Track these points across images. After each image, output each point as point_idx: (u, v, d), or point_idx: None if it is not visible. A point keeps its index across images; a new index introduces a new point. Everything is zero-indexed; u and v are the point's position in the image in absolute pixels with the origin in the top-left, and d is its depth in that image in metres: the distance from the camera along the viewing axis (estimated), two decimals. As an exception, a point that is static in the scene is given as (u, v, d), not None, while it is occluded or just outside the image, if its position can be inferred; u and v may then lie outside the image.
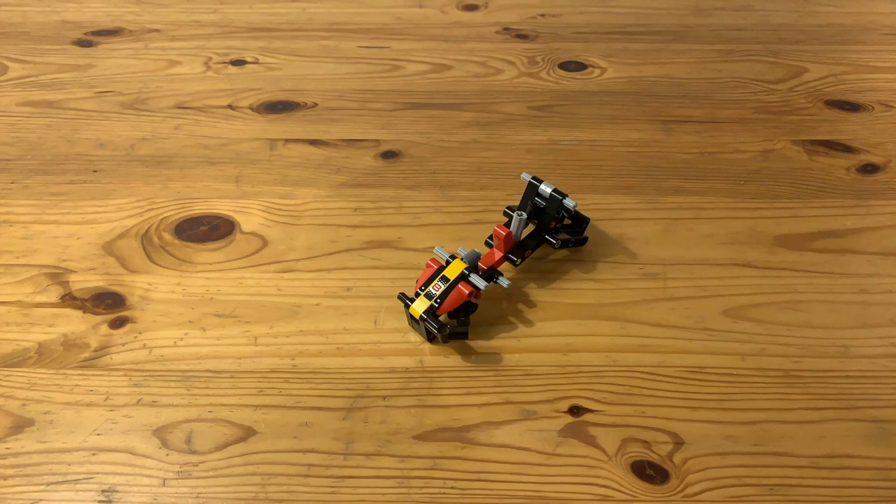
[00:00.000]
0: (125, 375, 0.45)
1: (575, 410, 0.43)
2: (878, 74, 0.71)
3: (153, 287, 0.50)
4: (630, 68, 0.72)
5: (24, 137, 0.63)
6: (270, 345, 0.47)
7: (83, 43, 0.76)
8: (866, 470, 0.40)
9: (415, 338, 0.47)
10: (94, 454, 0.41)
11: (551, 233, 0.50)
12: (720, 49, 0.74)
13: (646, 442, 0.42)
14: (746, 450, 0.41)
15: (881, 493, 0.39)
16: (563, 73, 0.71)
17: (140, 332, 0.47)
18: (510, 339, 0.47)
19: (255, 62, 0.73)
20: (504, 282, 0.47)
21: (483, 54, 0.74)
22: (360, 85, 0.70)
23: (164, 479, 0.40)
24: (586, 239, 0.53)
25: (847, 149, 0.62)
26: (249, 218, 0.55)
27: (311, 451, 0.41)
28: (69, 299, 0.50)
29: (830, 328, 0.48)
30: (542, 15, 0.80)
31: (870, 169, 0.60)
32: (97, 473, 0.40)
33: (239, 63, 0.73)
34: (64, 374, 0.45)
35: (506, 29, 0.78)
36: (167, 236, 0.54)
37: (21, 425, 0.43)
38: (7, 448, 0.42)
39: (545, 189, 0.50)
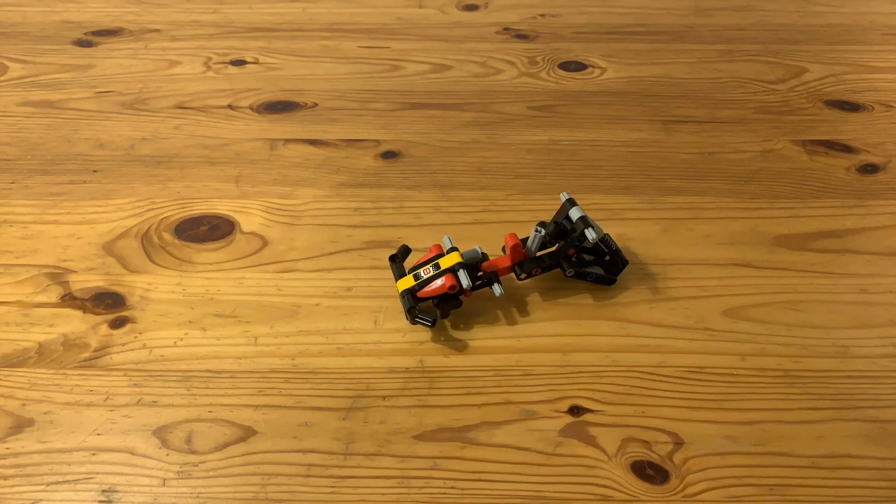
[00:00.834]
0: (125, 375, 0.45)
1: (575, 410, 0.43)
2: (878, 74, 0.71)
3: (153, 287, 0.50)
4: (630, 68, 0.72)
5: (24, 137, 0.63)
6: (270, 345, 0.47)
7: (83, 43, 0.76)
8: (866, 470, 0.40)
9: (415, 337, 0.47)
10: (94, 454, 0.41)
11: (568, 259, 0.49)
12: (720, 49, 0.74)
13: (646, 442, 0.42)
14: (746, 450, 0.41)
15: (881, 493, 0.39)
16: (563, 73, 0.71)
17: (140, 332, 0.47)
18: (510, 339, 0.47)
19: (255, 62, 0.73)
20: (497, 289, 0.47)
21: (483, 54, 0.74)
22: (360, 85, 0.70)
23: (164, 479, 0.40)
24: (614, 280, 0.50)
25: (847, 149, 0.62)
26: (249, 218, 0.55)
27: (312, 451, 0.41)
28: (69, 299, 0.50)
29: (830, 328, 0.48)
30: (542, 15, 0.80)
31: (870, 169, 0.60)
32: (97, 473, 0.40)
33: (239, 63, 0.73)
34: (64, 374, 0.45)
35: (506, 29, 0.78)
36: (167, 236, 0.54)
37: (21, 425, 0.43)
38: (7, 448, 0.42)
39: (574, 213, 0.48)
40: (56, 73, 0.71)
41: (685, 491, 0.39)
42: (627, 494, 0.39)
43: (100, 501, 0.39)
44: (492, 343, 0.47)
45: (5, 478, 0.40)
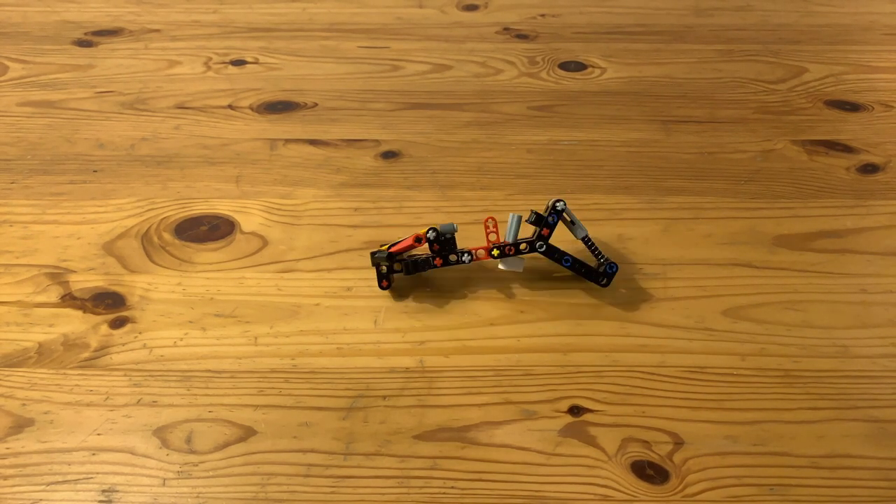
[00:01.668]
0: (125, 375, 0.45)
1: (575, 410, 0.43)
2: (878, 74, 0.71)
3: (153, 287, 0.50)
4: (630, 68, 0.72)
5: (24, 137, 0.63)
6: (270, 345, 0.47)
7: (83, 43, 0.76)
8: (866, 470, 0.40)
9: (415, 337, 0.47)
10: (94, 454, 0.41)
11: (543, 239, 0.49)
12: (720, 49, 0.74)
13: (646, 442, 0.42)
14: (746, 450, 0.41)
15: (881, 493, 0.39)
16: (563, 73, 0.71)
17: (140, 332, 0.47)
18: (510, 339, 0.47)
19: (255, 62, 0.73)
20: (466, 257, 0.48)
21: (483, 54, 0.74)
22: (360, 85, 0.70)
23: (164, 479, 0.40)
24: (604, 278, 0.49)
25: (847, 149, 0.62)
26: (249, 218, 0.55)
27: (311, 451, 0.41)
28: (69, 299, 0.50)
29: (830, 328, 0.48)
30: (542, 15, 0.80)
31: (870, 169, 0.60)
32: (97, 473, 0.40)
33: (239, 63, 0.73)
34: (64, 374, 0.45)
35: (506, 29, 0.78)
36: (167, 236, 0.54)
37: (21, 425, 0.43)
38: (7, 448, 0.42)
39: (558, 205, 0.48)
40: (56, 73, 0.71)
41: (685, 491, 0.39)
42: (627, 494, 0.39)
43: (100, 501, 0.39)
44: (492, 343, 0.47)
45: (5, 478, 0.40)
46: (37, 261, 0.52)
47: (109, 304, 0.49)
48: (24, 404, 0.44)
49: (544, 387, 0.44)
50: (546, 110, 0.67)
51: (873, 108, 0.67)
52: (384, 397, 0.44)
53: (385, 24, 0.79)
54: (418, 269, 0.49)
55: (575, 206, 0.56)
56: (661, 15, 0.80)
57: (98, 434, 0.42)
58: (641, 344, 0.47)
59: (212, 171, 0.60)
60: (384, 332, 0.47)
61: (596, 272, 0.49)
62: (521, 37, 0.77)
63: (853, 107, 0.67)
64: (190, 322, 0.48)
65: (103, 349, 0.46)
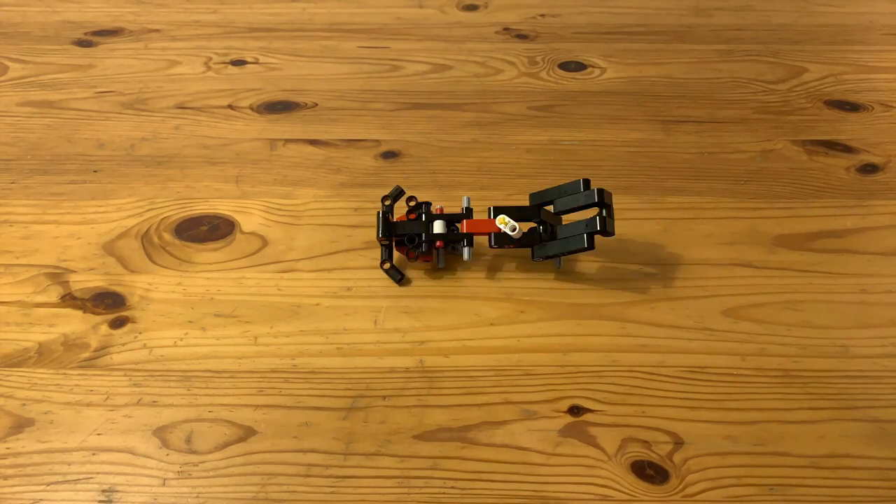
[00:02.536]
0: (125, 375, 0.45)
1: (575, 410, 0.43)
2: (878, 74, 0.71)
3: (153, 287, 0.50)
4: (630, 68, 0.72)
5: (24, 137, 0.63)
6: (270, 345, 0.47)
7: (83, 43, 0.76)
8: (866, 470, 0.40)
9: (415, 337, 0.47)
10: (94, 454, 0.41)
11: (540, 239, 0.50)
12: (720, 49, 0.74)
13: (646, 442, 0.42)
14: (746, 450, 0.41)
15: (881, 492, 0.39)
16: (563, 73, 0.71)
17: (140, 332, 0.47)
18: (510, 339, 0.47)
19: (255, 62, 0.73)
20: (466, 253, 0.49)
21: (483, 54, 0.74)
22: (360, 85, 0.70)
23: (165, 479, 0.40)
24: (591, 237, 0.48)
25: (847, 149, 0.62)
26: (249, 218, 0.55)
27: (311, 450, 0.41)
28: (69, 299, 0.50)
29: (830, 328, 0.48)
30: (542, 15, 0.80)
31: (870, 169, 0.60)
32: (97, 473, 0.40)
33: (239, 63, 0.73)
34: (64, 374, 0.45)
35: (506, 29, 0.78)
36: (167, 236, 0.54)
37: (21, 425, 0.43)
38: (7, 448, 0.42)
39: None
40: (56, 73, 0.71)
41: (685, 491, 0.39)
42: (627, 494, 0.39)
43: (100, 501, 0.39)
44: (492, 343, 0.47)
45: (5, 478, 0.40)
46: (37, 261, 0.52)
47: (109, 304, 0.49)
48: (24, 404, 0.44)
49: (544, 387, 0.44)
50: (546, 110, 0.67)
51: (873, 108, 0.67)
52: (384, 397, 0.44)
53: (385, 24, 0.79)
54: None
55: (575, 206, 0.55)
56: (661, 15, 0.80)
57: (98, 434, 0.42)
58: (641, 344, 0.47)
59: (212, 171, 0.60)
60: (384, 332, 0.47)
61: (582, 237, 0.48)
62: (521, 37, 0.77)
63: (853, 107, 0.67)
64: (190, 322, 0.48)
65: (103, 349, 0.46)
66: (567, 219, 0.51)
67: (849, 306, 0.49)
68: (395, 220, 0.51)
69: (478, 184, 0.58)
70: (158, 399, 0.44)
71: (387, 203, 0.52)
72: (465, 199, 0.52)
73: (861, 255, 0.52)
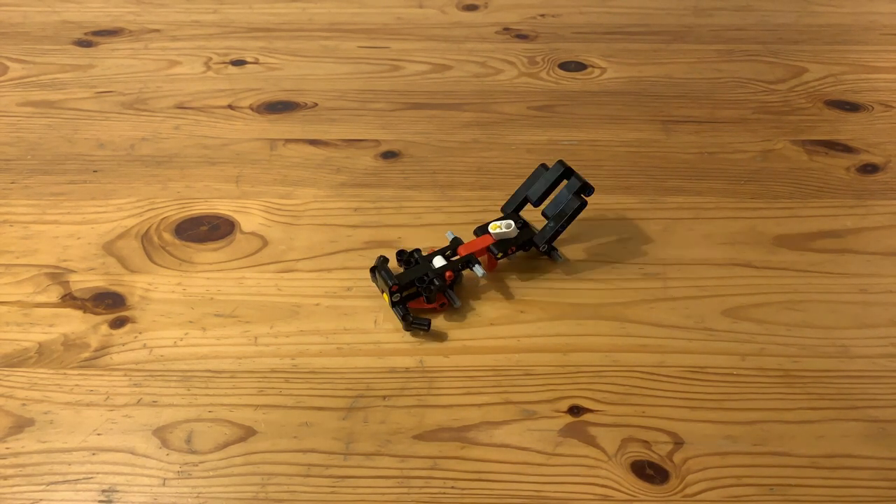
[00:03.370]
0: (125, 375, 0.45)
1: (575, 410, 0.43)
2: (878, 74, 0.71)
3: (153, 287, 0.50)
4: (630, 68, 0.72)
5: (24, 137, 0.63)
6: (270, 345, 0.47)
7: (83, 43, 0.76)
8: (866, 470, 0.40)
9: (415, 337, 0.47)
10: (94, 454, 0.41)
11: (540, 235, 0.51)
12: (720, 49, 0.74)
13: (646, 442, 0.42)
14: (746, 450, 0.41)
15: (881, 492, 0.39)
16: (563, 73, 0.71)
17: (140, 332, 0.47)
18: (510, 339, 0.47)
19: (256, 62, 0.73)
20: (479, 270, 0.48)
21: (483, 54, 0.74)
22: (360, 85, 0.70)
23: (165, 479, 0.40)
24: (582, 197, 0.50)
25: (847, 149, 0.62)
26: (249, 218, 0.55)
27: (311, 450, 0.41)
28: (69, 299, 0.50)
29: (830, 328, 0.48)
30: (542, 15, 0.80)
31: (870, 169, 0.60)
32: (97, 473, 0.40)
33: (239, 63, 0.73)
34: (64, 373, 0.45)
35: (506, 29, 0.78)
36: (167, 236, 0.54)
37: (21, 425, 0.43)
38: (7, 448, 0.42)
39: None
40: (56, 73, 0.71)
41: (685, 491, 0.39)
42: (627, 494, 0.39)
43: (100, 501, 0.39)
44: (492, 343, 0.47)
45: (5, 478, 0.40)
46: (37, 261, 0.52)
47: (109, 304, 0.49)
48: (24, 404, 0.44)
49: (544, 387, 0.44)
50: (546, 110, 0.67)
51: (873, 108, 0.67)
52: (384, 397, 0.44)
53: (385, 24, 0.79)
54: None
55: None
56: (661, 15, 0.80)
57: (98, 434, 0.42)
58: (641, 344, 0.47)
59: (212, 171, 0.60)
60: (384, 332, 0.47)
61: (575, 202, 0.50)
62: (521, 37, 0.77)
63: (853, 107, 0.67)
64: (190, 322, 0.48)
65: (103, 349, 0.46)
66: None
67: (849, 306, 0.49)
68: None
69: (478, 184, 0.58)
70: (158, 399, 0.44)
71: (377, 269, 0.48)
72: (448, 233, 0.51)
73: (861, 255, 0.52)
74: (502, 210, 0.53)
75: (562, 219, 0.50)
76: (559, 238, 0.51)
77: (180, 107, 0.67)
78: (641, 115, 0.66)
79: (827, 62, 0.73)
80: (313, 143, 0.63)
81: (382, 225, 0.55)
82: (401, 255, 0.50)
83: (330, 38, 0.76)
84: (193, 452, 0.41)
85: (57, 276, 0.51)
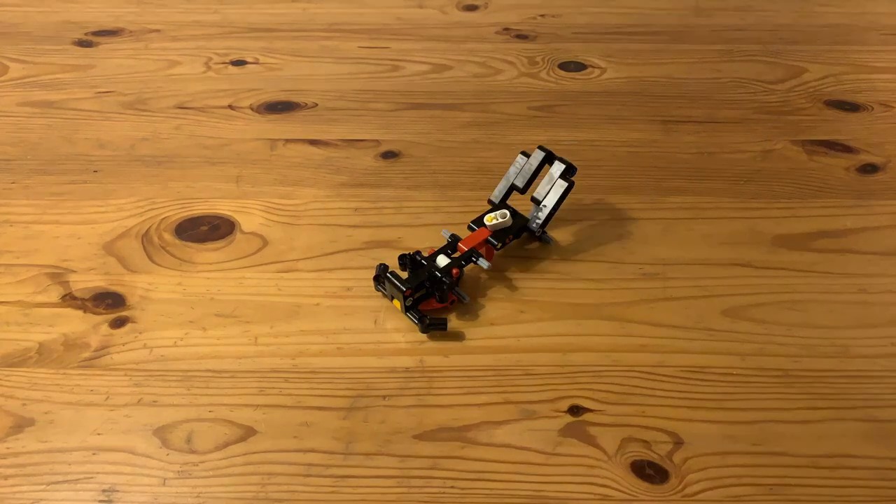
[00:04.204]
0: (126, 375, 0.45)
1: (575, 410, 0.43)
2: (877, 74, 0.71)
3: (153, 287, 0.50)
4: (630, 68, 0.72)
5: (24, 137, 0.63)
6: (271, 345, 0.47)
7: (84, 43, 0.76)
8: (866, 469, 0.40)
9: (415, 337, 0.47)
10: (94, 454, 0.41)
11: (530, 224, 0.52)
12: (720, 49, 0.75)
13: (646, 442, 0.42)
14: (746, 449, 0.41)
15: (881, 492, 0.39)
16: (563, 73, 0.71)
17: (140, 332, 0.47)
18: (510, 339, 0.47)
19: (256, 62, 0.73)
20: (484, 263, 0.48)
21: (483, 54, 0.74)
22: (360, 85, 0.70)
23: (165, 479, 0.40)
24: (571, 174, 0.51)
25: (847, 149, 0.62)
26: (250, 218, 0.55)
27: (312, 450, 0.41)
28: (70, 299, 0.50)
29: (830, 328, 0.48)
30: (542, 15, 0.80)
31: (869, 169, 0.60)
32: (97, 473, 0.40)
33: (239, 63, 0.73)
34: (64, 373, 0.45)
35: (506, 29, 0.78)
36: (167, 236, 0.54)
37: (21, 425, 0.43)
38: (7, 448, 0.42)
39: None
40: (56, 73, 0.71)
41: (685, 490, 0.40)
42: (627, 494, 0.39)
43: (100, 501, 0.39)
44: (492, 343, 0.47)
45: (5, 477, 0.40)
46: (37, 261, 0.52)
47: (110, 304, 0.49)
48: (24, 404, 0.44)
49: (544, 387, 0.44)
50: (546, 110, 0.67)
51: (873, 108, 0.67)
52: (384, 397, 0.44)
53: (385, 24, 0.79)
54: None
55: (575, 205, 0.56)
56: (661, 15, 0.80)
57: (98, 434, 0.42)
58: (641, 344, 0.47)
59: (212, 171, 0.60)
60: (384, 332, 0.47)
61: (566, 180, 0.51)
62: (521, 37, 0.77)
63: (853, 107, 0.67)
64: (190, 322, 0.48)
65: (103, 349, 0.46)
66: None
67: (849, 306, 0.49)
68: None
69: (478, 184, 0.58)
70: (158, 399, 0.44)
71: (382, 278, 0.48)
72: (444, 231, 0.50)
73: (861, 255, 0.53)
74: (489, 202, 0.53)
75: (553, 199, 0.51)
76: (559, 239, 0.51)
77: (180, 107, 0.67)
78: (641, 115, 0.66)
79: (827, 62, 0.73)
80: (313, 143, 0.63)
81: (382, 225, 0.55)
82: (403, 259, 0.48)
83: (330, 39, 0.76)
84: (193, 452, 0.41)
85: (57, 276, 0.51)
